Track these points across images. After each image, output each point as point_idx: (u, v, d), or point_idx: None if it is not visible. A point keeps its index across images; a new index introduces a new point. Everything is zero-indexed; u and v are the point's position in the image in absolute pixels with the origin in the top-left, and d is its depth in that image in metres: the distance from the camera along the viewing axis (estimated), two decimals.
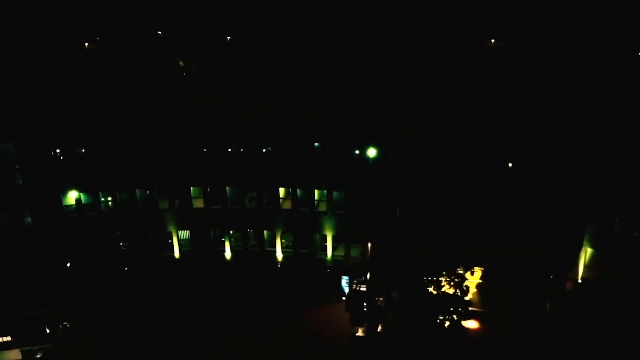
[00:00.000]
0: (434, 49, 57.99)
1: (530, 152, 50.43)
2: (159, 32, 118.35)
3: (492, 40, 60.56)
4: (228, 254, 58.88)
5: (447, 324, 43.12)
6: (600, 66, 55.21)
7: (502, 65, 57.33)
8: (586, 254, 53.28)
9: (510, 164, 51.28)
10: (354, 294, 47.61)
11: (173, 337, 48.42)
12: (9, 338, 45.77)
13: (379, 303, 46.60)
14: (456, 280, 41.14)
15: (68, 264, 52.50)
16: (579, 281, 53.35)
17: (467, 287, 42.18)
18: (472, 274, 43.16)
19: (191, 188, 56.92)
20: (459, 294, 41.27)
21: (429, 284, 41.30)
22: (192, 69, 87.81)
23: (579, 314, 48.69)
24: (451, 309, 40.75)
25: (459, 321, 42.02)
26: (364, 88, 55.37)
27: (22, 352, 46.34)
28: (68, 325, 43.42)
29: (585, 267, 53.52)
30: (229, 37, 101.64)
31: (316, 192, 56.03)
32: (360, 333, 47.14)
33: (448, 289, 41.53)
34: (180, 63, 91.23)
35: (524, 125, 51.65)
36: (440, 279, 41.18)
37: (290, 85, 56.74)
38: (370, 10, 61.65)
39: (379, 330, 46.00)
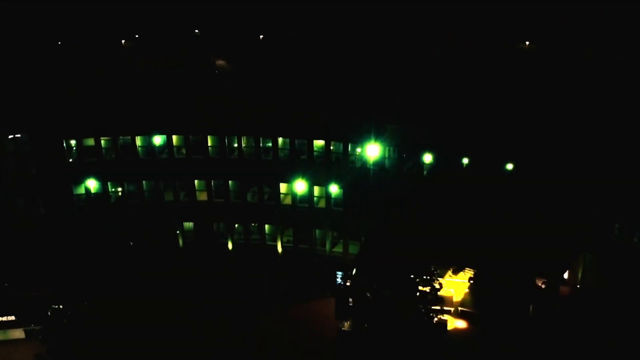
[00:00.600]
0: (434, 49, 58.27)
1: (531, 153, 50.13)
2: (196, 31, 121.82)
3: (493, 41, 60.49)
4: (230, 246, 60.68)
5: (434, 321, 43.66)
6: (601, 67, 54.48)
7: (502, 65, 57.19)
8: (585, 259, 52.69)
9: (510, 166, 51.09)
10: (341, 289, 48.41)
11: (162, 323, 50.05)
12: (13, 317, 48.36)
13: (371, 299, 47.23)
14: (426, 278, 41.43)
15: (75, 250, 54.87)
16: (578, 286, 52.87)
17: (440, 284, 42.45)
18: (454, 273, 43.30)
19: (195, 181, 58.98)
20: (431, 292, 41.54)
21: (405, 281, 41.74)
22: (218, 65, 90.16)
23: (575, 319, 48.36)
24: (420, 306, 41.10)
25: (433, 318, 42.37)
26: (364, 88, 56.18)
27: (26, 332, 48.78)
28: (60, 307, 45.50)
29: (584, 272, 52.94)
30: (261, 36, 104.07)
31: (316, 188, 57.27)
32: (346, 327, 47.75)
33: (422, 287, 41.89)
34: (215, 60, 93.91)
35: (525, 126, 51.48)
36: (412, 276, 41.55)
37: (290, 84, 58.02)
38: (370, 10, 62.27)
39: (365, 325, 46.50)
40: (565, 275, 53.07)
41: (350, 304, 47.07)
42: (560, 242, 49.16)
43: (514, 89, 53.92)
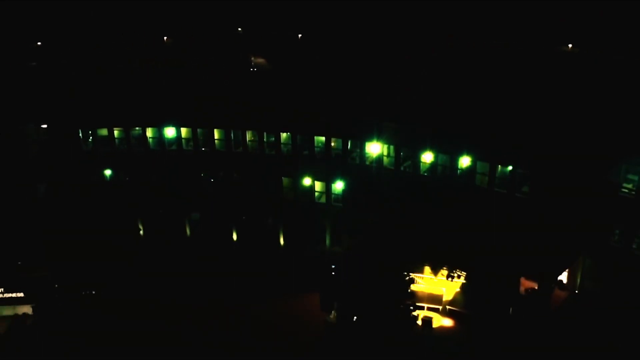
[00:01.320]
0: (434, 49, 58.40)
1: (532, 154, 49.83)
2: (239, 29, 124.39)
3: (493, 41, 60.08)
4: (235, 237, 62.56)
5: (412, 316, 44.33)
6: (602, 66, 53.42)
7: (502, 64, 56.79)
8: (585, 263, 51.93)
9: (510, 167, 50.89)
10: (326, 282, 49.41)
11: (154, 306, 52.26)
12: (21, 294, 51.62)
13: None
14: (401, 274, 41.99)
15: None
16: (576, 291, 52.21)
17: (412, 279, 42.88)
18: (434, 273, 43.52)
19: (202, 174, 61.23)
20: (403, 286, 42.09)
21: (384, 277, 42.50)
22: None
23: (571, 323, 47.88)
24: (394, 299, 41.70)
25: (411, 313, 42.96)
26: (364, 88, 56.90)
27: (33, 308, 51.90)
28: (56, 287, 48.35)
29: (583, 276, 52.19)
30: (300, 35, 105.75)
31: (317, 184, 58.48)
32: (332, 319, 48.71)
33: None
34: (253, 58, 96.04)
35: (525, 126, 51.15)
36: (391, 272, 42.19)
37: (290, 85, 59.23)
38: (371, 10, 62.83)
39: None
40: (565, 280, 52.54)
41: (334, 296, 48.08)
42: (556, 245, 48.70)
43: (514, 88, 53.51)
